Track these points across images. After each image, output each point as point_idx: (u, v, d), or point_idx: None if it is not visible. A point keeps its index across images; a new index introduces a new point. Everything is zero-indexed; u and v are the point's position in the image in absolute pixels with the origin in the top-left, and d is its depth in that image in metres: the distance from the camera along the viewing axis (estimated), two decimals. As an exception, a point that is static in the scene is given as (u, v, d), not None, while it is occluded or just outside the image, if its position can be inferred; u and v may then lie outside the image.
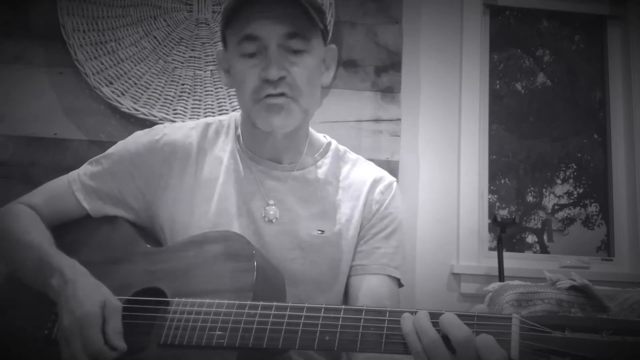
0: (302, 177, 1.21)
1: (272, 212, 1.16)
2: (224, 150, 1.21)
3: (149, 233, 1.20)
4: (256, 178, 1.19)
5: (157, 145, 1.19)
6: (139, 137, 1.22)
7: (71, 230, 1.19)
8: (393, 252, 1.20)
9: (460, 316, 0.79)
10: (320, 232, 1.17)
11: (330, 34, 1.20)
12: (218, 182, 1.17)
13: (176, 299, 0.97)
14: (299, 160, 1.21)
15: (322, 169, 1.23)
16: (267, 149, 1.19)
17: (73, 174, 1.23)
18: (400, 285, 1.21)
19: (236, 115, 1.27)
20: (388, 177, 1.27)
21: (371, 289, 1.17)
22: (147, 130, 1.24)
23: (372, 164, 1.30)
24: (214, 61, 2.22)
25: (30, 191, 1.24)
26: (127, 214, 1.20)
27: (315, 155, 1.24)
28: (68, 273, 1.02)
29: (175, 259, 1.05)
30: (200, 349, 0.91)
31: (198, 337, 0.91)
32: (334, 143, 1.30)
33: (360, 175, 1.25)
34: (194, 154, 1.19)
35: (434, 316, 0.80)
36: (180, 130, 1.22)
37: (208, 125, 1.24)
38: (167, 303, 0.98)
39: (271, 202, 1.17)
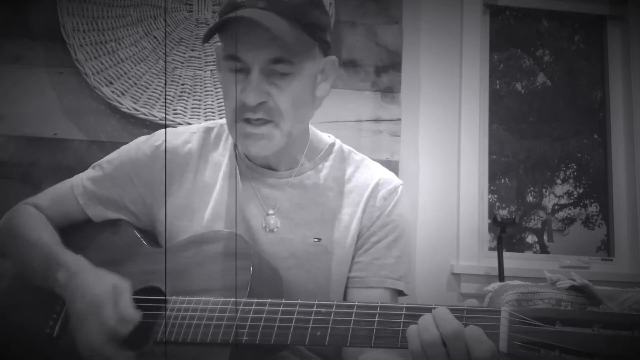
0: (299, 184, 1.17)
1: (272, 222, 1.13)
2: (223, 155, 1.19)
3: (150, 235, 1.21)
4: (252, 186, 1.16)
5: (157, 152, 1.18)
6: (141, 143, 1.21)
7: (73, 232, 1.21)
8: (394, 262, 1.14)
9: (450, 310, 0.80)
10: (316, 240, 1.13)
11: (330, 44, 1.15)
12: (215, 189, 1.16)
13: (173, 297, 0.99)
14: (296, 167, 1.17)
15: (323, 172, 1.18)
16: (260, 158, 1.16)
17: (76, 178, 1.23)
18: (402, 294, 1.16)
19: None
20: (393, 181, 1.19)
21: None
22: (148, 136, 1.23)
23: (378, 165, 1.23)
24: (213, 61, 2.21)
25: (30, 191, 1.25)
26: (128, 218, 1.20)
27: (316, 159, 1.19)
28: (74, 267, 1.05)
29: (174, 258, 1.06)
30: (195, 345, 0.92)
31: (193, 334, 0.93)
32: (338, 144, 1.23)
33: (362, 178, 1.19)
34: (194, 160, 1.19)
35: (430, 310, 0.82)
36: (181, 135, 1.21)
37: (209, 129, 1.22)
38: (164, 301, 1.00)
39: (271, 211, 1.14)
